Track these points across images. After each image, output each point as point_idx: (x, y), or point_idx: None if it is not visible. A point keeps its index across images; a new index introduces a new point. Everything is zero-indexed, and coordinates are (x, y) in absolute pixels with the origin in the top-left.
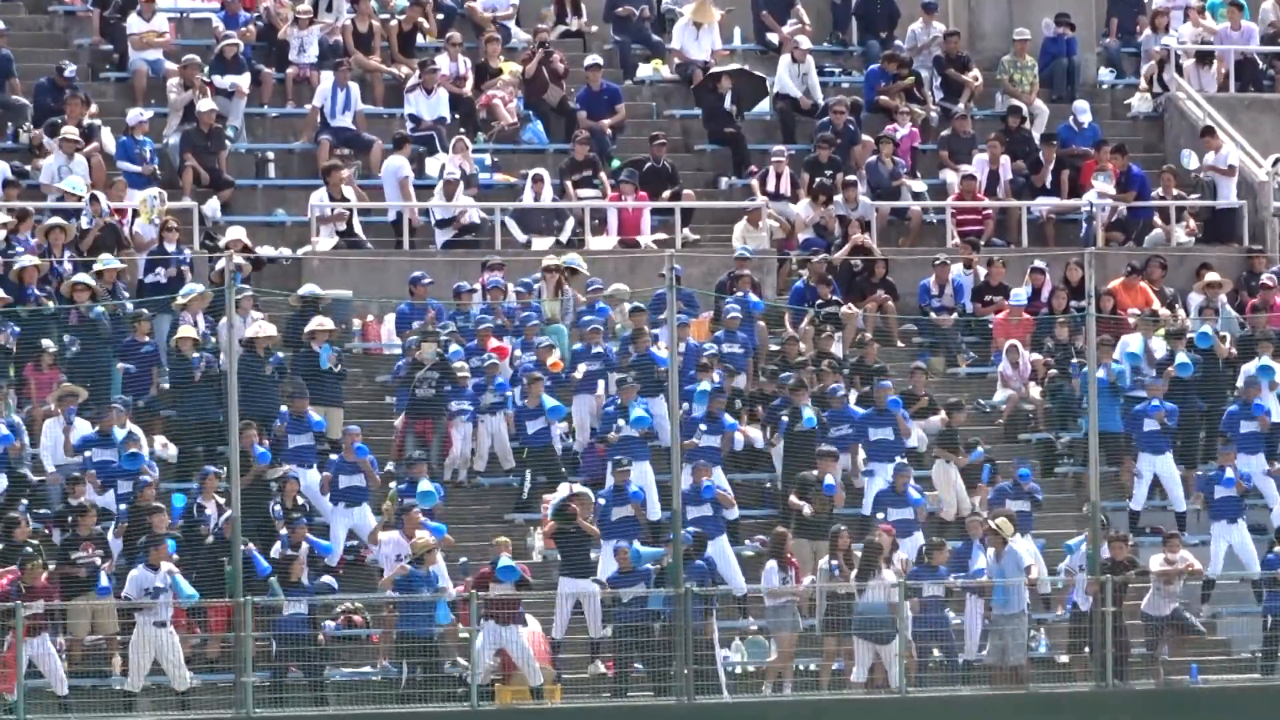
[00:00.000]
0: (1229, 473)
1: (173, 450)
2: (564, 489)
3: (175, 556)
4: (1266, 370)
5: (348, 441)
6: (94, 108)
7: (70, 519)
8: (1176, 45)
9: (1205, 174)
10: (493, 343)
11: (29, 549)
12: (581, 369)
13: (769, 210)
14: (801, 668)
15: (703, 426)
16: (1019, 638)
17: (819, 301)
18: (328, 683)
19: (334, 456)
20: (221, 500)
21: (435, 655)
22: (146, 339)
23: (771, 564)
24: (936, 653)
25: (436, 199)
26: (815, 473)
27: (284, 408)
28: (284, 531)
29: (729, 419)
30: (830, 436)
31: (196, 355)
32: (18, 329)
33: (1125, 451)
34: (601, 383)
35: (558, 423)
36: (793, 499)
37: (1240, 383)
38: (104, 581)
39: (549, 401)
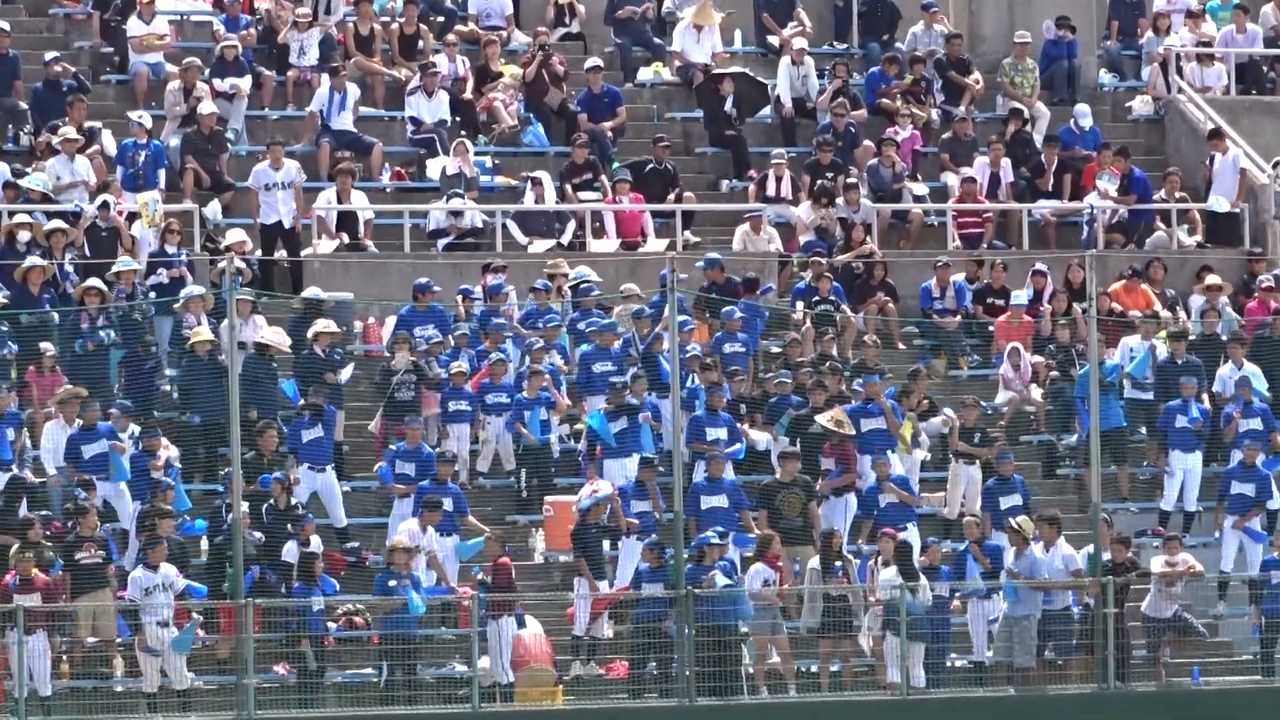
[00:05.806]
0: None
1: (174, 451)
2: (593, 487)
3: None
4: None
5: (413, 433)
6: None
7: (71, 522)
8: (1178, 47)
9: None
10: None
11: (45, 549)
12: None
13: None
14: (802, 669)
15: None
16: (1027, 640)
17: (815, 299)
18: (328, 684)
19: (397, 444)
20: (244, 504)
21: (413, 658)
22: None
23: (756, 566)
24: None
25: (437, 207)
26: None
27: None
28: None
29: (726, 415)
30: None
31: (207, 358)
32: (14, 345)
33: (1129, 450)
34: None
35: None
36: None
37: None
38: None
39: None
